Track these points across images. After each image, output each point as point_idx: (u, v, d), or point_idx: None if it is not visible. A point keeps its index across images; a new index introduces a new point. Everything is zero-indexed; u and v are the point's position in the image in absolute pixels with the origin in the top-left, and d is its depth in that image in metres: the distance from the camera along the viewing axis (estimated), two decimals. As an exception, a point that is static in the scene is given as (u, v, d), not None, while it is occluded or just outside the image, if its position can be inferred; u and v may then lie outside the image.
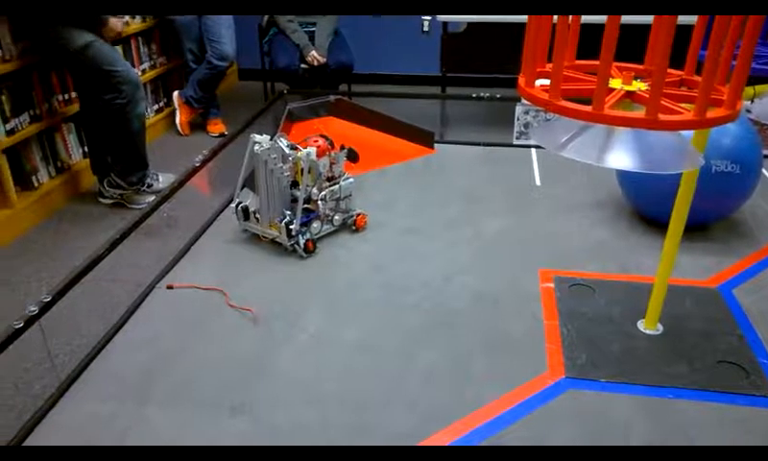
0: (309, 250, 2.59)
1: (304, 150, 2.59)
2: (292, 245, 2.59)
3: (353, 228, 2.79)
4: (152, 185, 3.25)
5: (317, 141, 2.67)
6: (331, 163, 2.70)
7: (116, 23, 3.01)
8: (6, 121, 2.84)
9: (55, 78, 3.16)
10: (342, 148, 2.75)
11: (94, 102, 3.01)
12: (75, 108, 3.28)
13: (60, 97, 3.21)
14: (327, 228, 2.74)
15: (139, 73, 3.94)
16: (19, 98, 2.93)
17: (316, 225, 2.66)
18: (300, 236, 2.58)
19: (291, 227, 2.55)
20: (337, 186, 2.72)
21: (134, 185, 3.18)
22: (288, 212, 2.59)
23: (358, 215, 2.79)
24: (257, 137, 2.61)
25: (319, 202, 2.65)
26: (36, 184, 3.07)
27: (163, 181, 3.28)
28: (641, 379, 1.92)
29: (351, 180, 2.77)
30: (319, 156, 2.63)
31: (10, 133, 2.86)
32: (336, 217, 2.75)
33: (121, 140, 3.07)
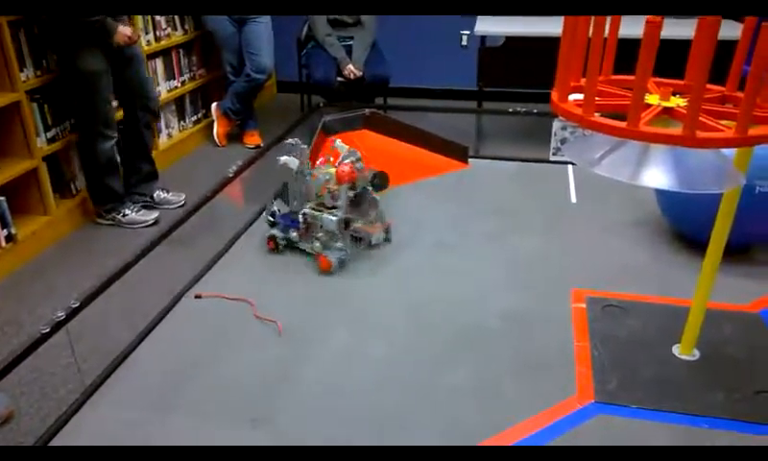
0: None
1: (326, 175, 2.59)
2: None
3: (386, 237, 2.77)
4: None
5: (346, 166, 2.61)
6: (355, 195, 2.67)
7: (124, 30, 2.86)
8: (47, 129, 2.91)
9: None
10: (371, 174, 2.69)
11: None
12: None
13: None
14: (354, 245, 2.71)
15: (179, 84, 4.01)
16: (60, 107, 2.99)
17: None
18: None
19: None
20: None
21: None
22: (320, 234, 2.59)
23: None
24: (284, 159, 2.64)
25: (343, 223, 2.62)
26: (74, 192, 3.12)
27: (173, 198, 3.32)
28: (675, 407, 1.84)
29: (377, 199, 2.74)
30: (344, 181, 2.58)
31: (51, 140, 2.92)
32: (364, 236, 2.72)
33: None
